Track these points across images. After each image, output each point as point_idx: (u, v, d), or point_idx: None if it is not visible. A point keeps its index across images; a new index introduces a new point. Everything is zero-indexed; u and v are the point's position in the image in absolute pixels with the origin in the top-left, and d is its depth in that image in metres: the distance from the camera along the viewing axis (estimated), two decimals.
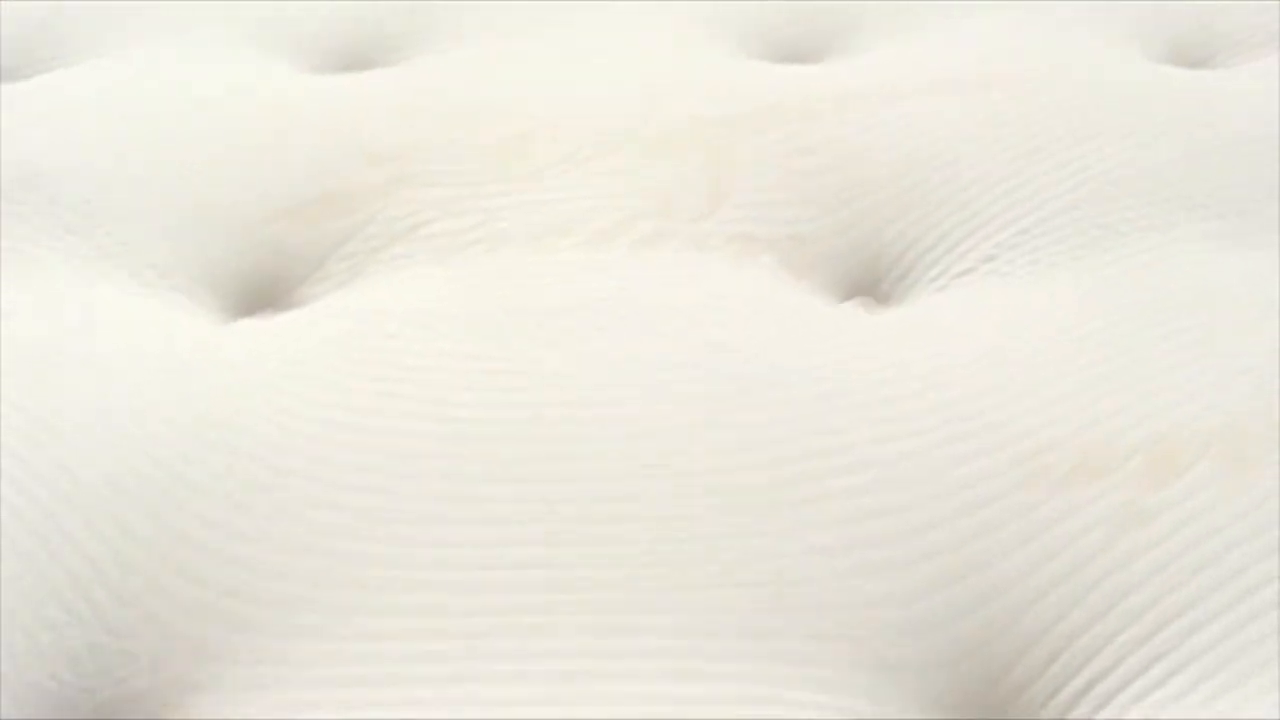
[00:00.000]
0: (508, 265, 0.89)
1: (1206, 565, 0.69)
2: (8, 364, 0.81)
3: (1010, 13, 1.14)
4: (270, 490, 0.72)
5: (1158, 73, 1.08)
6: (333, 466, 0.74)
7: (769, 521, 0.71)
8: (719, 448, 0.75)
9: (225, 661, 0.66)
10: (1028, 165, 0.97)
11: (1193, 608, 0.67)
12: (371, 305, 0.87)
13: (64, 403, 0.78)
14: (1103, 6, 1.16)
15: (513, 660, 0.65)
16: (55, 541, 0.70)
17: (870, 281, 0.93)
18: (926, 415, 0.77)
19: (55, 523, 0.71)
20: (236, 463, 0.74)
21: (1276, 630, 0.66)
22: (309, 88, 1.10)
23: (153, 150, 1.00)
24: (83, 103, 1.08)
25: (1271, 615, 0.66)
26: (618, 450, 0.74)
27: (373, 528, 0.71)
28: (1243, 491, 0.73)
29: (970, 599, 0.69)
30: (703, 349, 0.81)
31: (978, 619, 0.67)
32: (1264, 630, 0.66)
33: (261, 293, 0.93)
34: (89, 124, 1.04)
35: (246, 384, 0.80)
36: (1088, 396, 0.78)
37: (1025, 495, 0.72)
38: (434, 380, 0.79)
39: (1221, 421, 0.76)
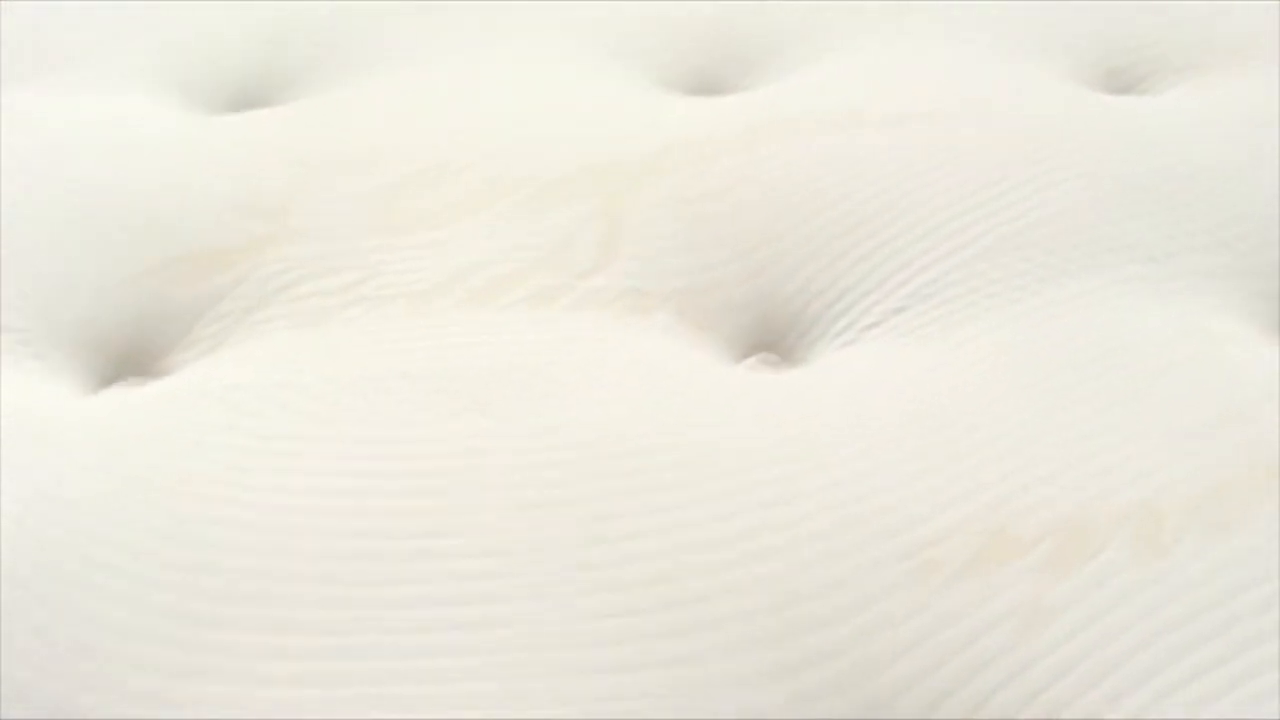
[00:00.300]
0: (382, 330, 0.83)
1: (1113, 669, 0.63)
2: None
3: (934, 38, 1.08)
4: (107, 570, 0.67)
5: (1082, 101, 1.02)
6: (156, 560, 0.68)
7: (649, 619, 0.66)
8: (592, 535, 0.70)
9: None
10: (942, 207, 0.92)
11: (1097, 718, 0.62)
12: (232, 377, 0.81)
13: None
14: (1031, 29, 1.11)
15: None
16: None
17: (773, 336, 0.88)
18: (820, 495, 0.72)
19: None
20: (71, 540, 0.69)
21: None
22: (192, 129, 1.04)
23: (13, 200, 0.94)
24: None
25: None
26: (479, 545, 0.69)
27: (199, 619, 0.65)
28: (1157, 580, 0.68)
29: (865, 703, 0.64)
30: (580, 425, 0.76)
31: None
32: None
33: (128, 359, 0.87)
34: None
35: (90, 460, 0.75)
36: (992, 473, 0.72)
37: (922, 588, 0.67)
38: (287, 465, 0.74)
39: (1135, 498, 0.71)
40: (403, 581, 0.67)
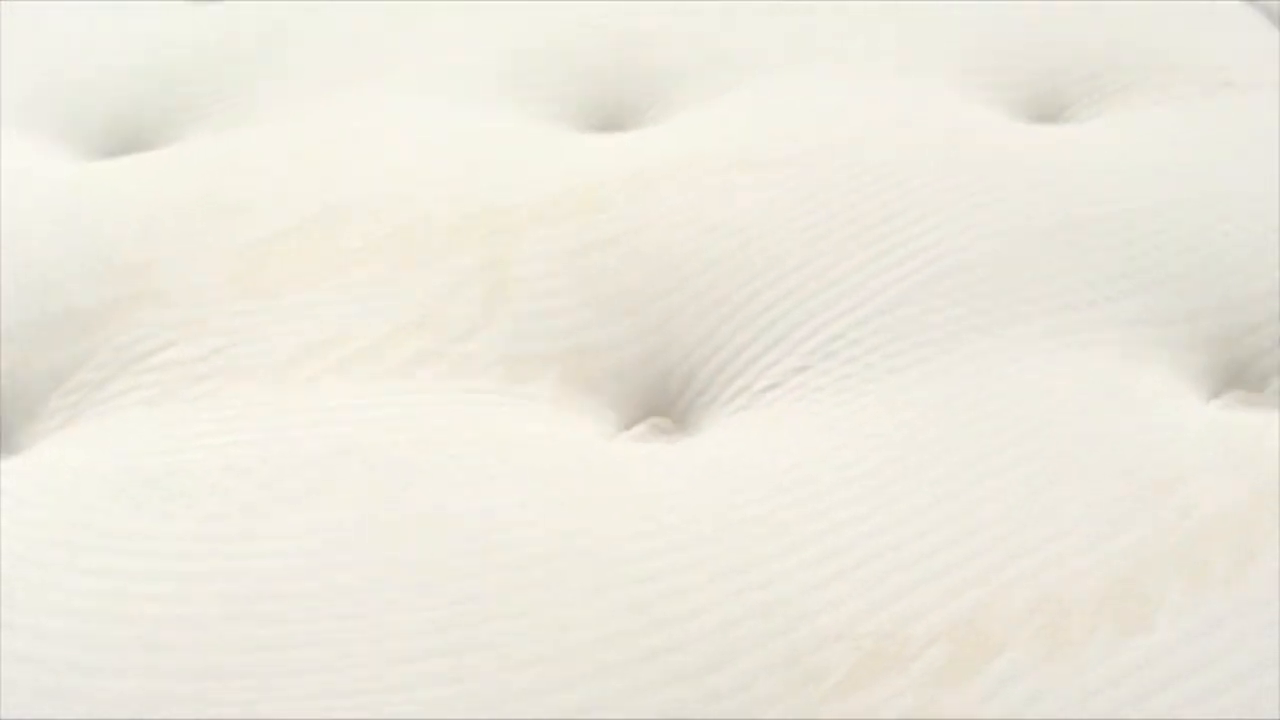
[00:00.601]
0: (236, 408, 0.77)
1: None
2: None
3: (845, 69, 1.02)
4: None
5: (1001, 132, 0.96)
6: None
7: None
8: (449, 644, 0.64)
9: None
10: (848, 255, 0.86)
11: None
12: (77, 460, 0.75)
13: None
14: (947, 55, 1.05)
15: None
16: None
17: (665, 400, 0.82)
18: (699, 594, 0.66)
19: None
20: None
21: None
22: (66, 175, 0.98)
23: None
24: None
25: None
26: (319, 659, 0.63)
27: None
28: (1064, 682, 0.62)
29: None
30: (440, 517, 0.70)
31: None
32: None
33: None
34: None
35: None
36: (886, 563, 0.67)
37: (805, 701, 0.61)
38: (123, 567, 0.68)
39: (1040, 591, 0.65)
40: (227, 703, 0.61)
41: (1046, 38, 1.05)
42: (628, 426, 0.80)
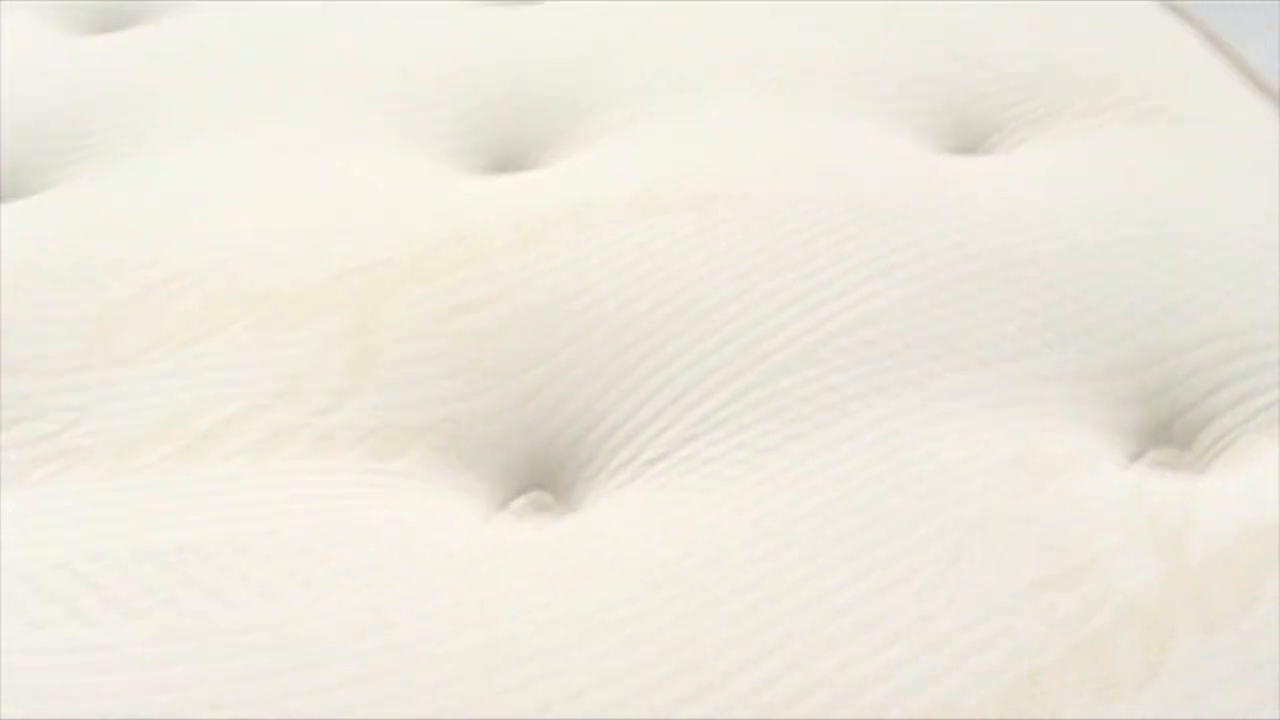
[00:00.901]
0: (74, 496, 0.71)
1: None
2: None
3: (753, 99, 0.96)
4: None
5: (919, 167, 0.90)
6: None
7: None
8: None
9: None
10: (745, 309, 0.80)
11: None
12: None
13: None
14: (864, 81, 0.98)
15: None
16: None
17: (547, 472, 0.76)
18: (570, 703, 0.60)
19: None
20: None
21: None
22: None
23: None
24: None
25: None
26: None
27: None
28: None
29: None
30: (286, 620, 0.64)
31: None
32: None
33: None
34: None
35: None
36: (752, 679, 0.61)
37: None
38: None
39: (933, 700, 0.59)
40: None
41: (966, 60, 0.99)
42: (505, 502, 0.75)
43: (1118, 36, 1.01)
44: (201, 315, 0.80)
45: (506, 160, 0.95)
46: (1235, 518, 0.69)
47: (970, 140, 0.95)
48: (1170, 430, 0.78)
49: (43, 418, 0.76)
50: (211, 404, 0.76)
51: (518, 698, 0.60)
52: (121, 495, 0.71)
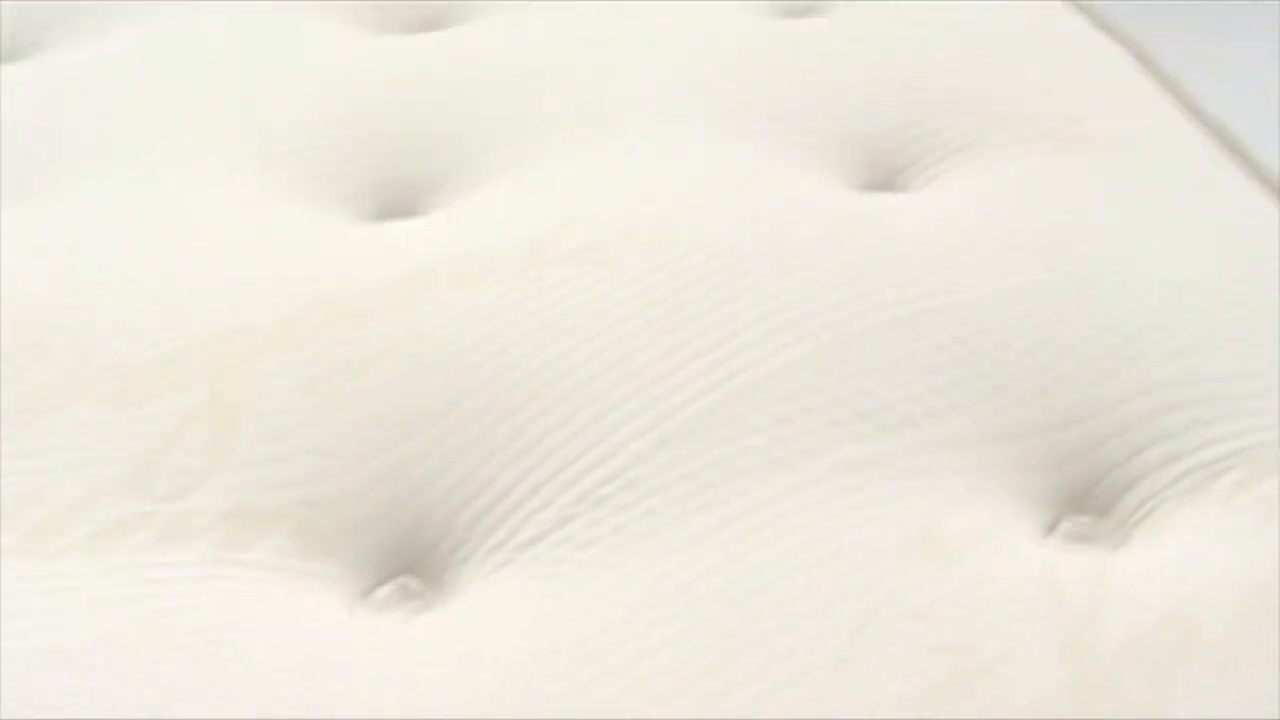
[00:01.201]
0: None
1: None
2: None
3: (657, 134, 0.90)
4: None
5: (825, 207, 0.85)
6: None
7: None
8: None
9: None
10: (636, 372, 0.74)
11: None
12: None
13: None
14: (769, 112, 0.93)
15: None
16: None
17: (416, 555, 0.70)
18: None
19: None
20: None
21: None
22: None
23: None
24: None
25: None
26: None
27: None
28: None
29: None
30: None
31: None
32: None
33: None
34: None
35: None
36: None
37: None
38: None
39: None
40: None
41: (879, 88, 0.93)
42: (370, 591, 0.69)
43: (1042, 59, 0.95)
44: (51, 388, 0.75)
45: (395, 205, 0.89)
46: (1149, 603, 0.64)
47: (884, 174, 0.90)
48: (1089, 496, 0.72)
49: None
50: (51, 490, 0.70)
51: None
52: None
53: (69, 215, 0.87)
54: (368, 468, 0.72)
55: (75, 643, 0.63)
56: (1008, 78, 0.93)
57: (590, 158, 0.89)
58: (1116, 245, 0.81)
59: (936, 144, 0.90)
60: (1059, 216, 0.83)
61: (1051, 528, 0.71)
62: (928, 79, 0.93)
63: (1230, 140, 0.90)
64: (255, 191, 0.88)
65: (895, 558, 0.65)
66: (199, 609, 0.65)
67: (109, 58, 0.99)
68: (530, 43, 0.98)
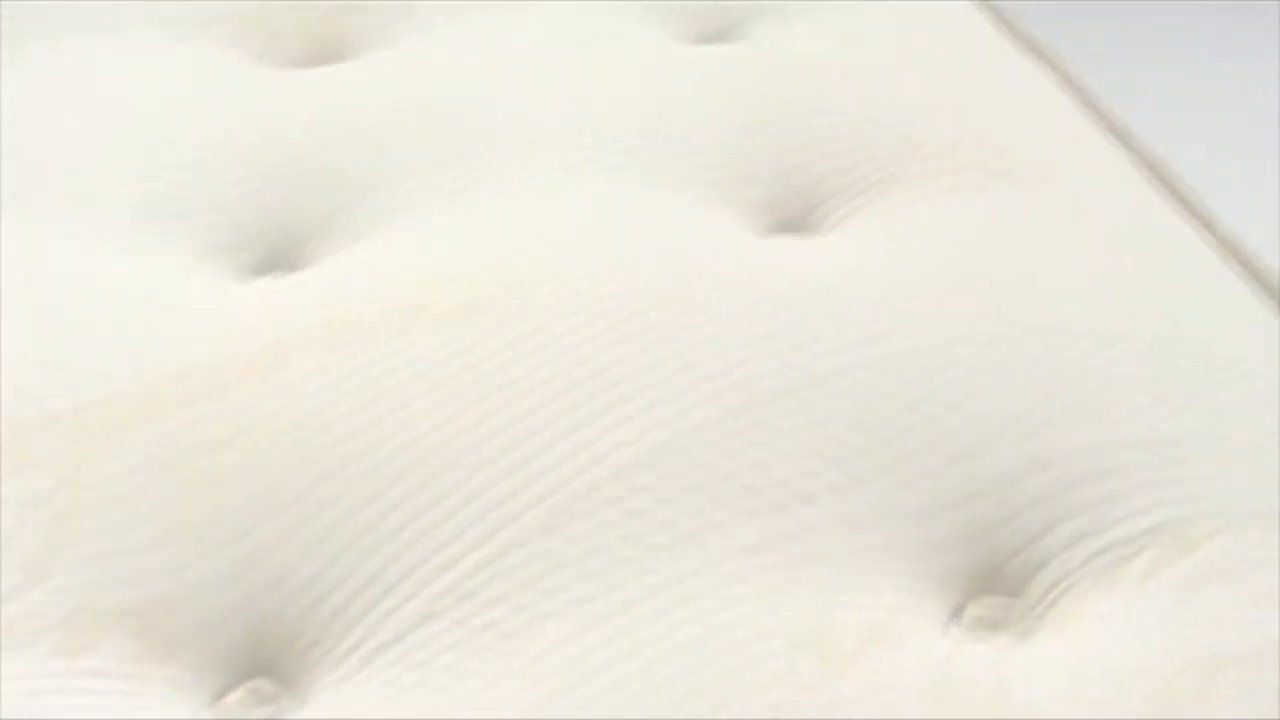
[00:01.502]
0: None
1: None
2: None
3: (571, 174, 0.85)
4: None
5: (728, 253, 0.79)
6: None
7: None
8: None
9: None
10: (511, 448, 0.69)
11: None
12: None
13: None
14: (668, 148, 0.87)
15: None
16: None
17: (268, 657, 0.65)
18: None
19: None
20: None
21: None
22: None
23: None
24: None
25: None
26: None
27: None
28: None
29: None
30: None
31: None
32: None
33: None
34: None
35: None
36: None
37: None
38: None
39: None
40: None
41: (790, 119, 0.87)
42: (220, 696, 0.64)
43: (962, 85, 0.90)
44: None
45: (269, 259, 0.84)
46: (1050, 704, 0.59)
47: (795, 213, 0.84)
48: (999, 576, 0.67)
49: None
50: None
51: None
52: None
53: None
54: (218, 559, 0.67)
55: None
56: (926, 104, 0.87)
57: (476, 205, 0.83)
58: (1037, 292, 0.76)
59: (847, 181, 0.84)
60: (975, 262, 0.78)
61: (958, 613, 0.66)
62: (842, 108, 0.88)
63: (1161, 170, 0.84)
64: (129, 244, 0.83)
65: (787, 658, 0.60)
66: None
67: None
68: (425, 76, 0.92)
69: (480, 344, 0.74)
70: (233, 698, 0.64)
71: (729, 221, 0.83)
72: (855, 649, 0.61)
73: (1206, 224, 0.81)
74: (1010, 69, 0.92)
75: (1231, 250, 0.81)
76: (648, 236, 0.80)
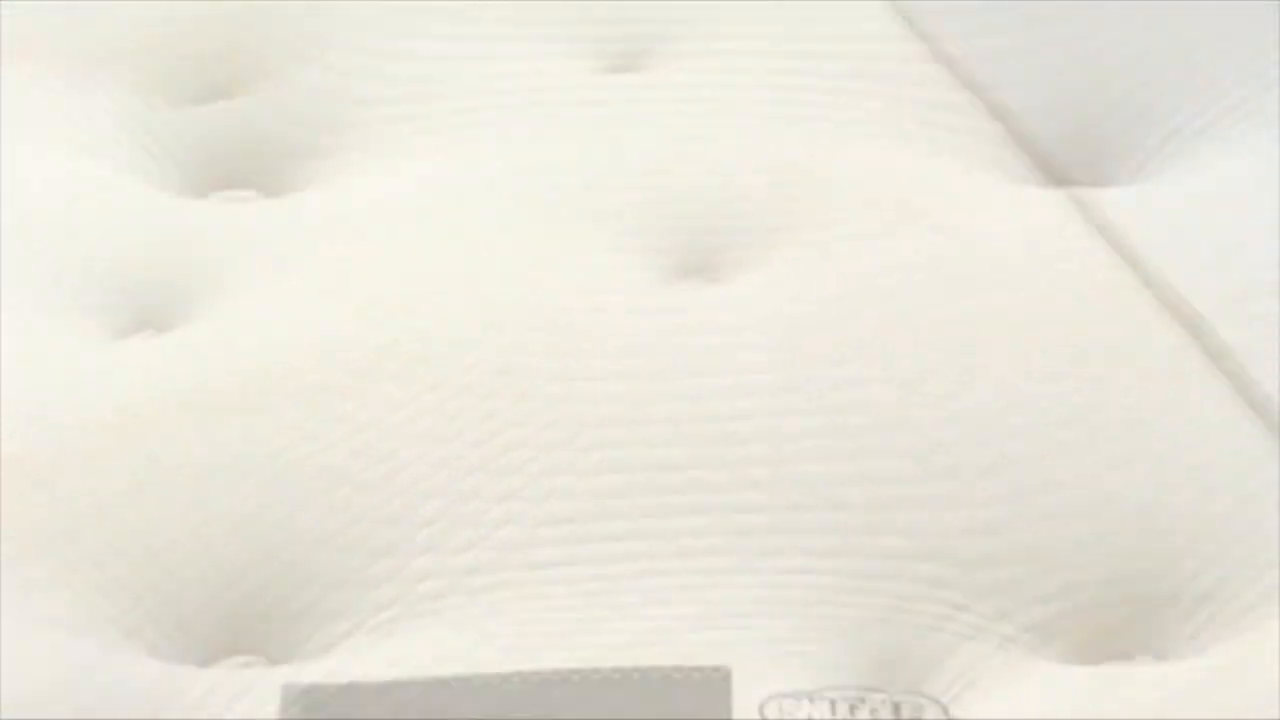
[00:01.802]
0: None
1: None
2: None
3: (441, 220, 0.80)
4: None
5: (633, 308, 0.74)
6: None
7: None
8: None
9: None
10: (367, 537, 0.64)
11: None
12: None
13: None
14: (588, 188, 0.82)
15: None
16: None
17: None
18: None
19: None
20: None
21: None
22: None
23: None
24: None
25: None
26: None
27: None
28: None
29: None
30: None
31: None
32: None
33: None
34: None
35: None
36: None
37: None
38: None
39: None
40: None
41: (698, 158, 0.82)
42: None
43: (874, 117, 0.84)
44: None
45: (146, 316, 0.79)
46: None
47: (700, 259, 0.79)
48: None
49: None
50: None
51: None
52: None
53: None
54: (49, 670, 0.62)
55: None
56: (832, 139, 0.82)
57: (356, 254, 0.78)
58: (945, 356, 0.70)
59: (754, 225, 0.79)
60: (880, 319, 0.73)
61: None
62: (750, 145, 0.82)
63: (1089, 208, 0.79)
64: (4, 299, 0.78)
65: None
66: None
67: None
68: (306, 114, 0.87)
69: (351, 415, 0.69)
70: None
71: (626, 272, 0.78)
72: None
73: (1132, 259, 0.75)
74: (927, 99, 0.86)
75: None
76: (539, 288, 0.76)
